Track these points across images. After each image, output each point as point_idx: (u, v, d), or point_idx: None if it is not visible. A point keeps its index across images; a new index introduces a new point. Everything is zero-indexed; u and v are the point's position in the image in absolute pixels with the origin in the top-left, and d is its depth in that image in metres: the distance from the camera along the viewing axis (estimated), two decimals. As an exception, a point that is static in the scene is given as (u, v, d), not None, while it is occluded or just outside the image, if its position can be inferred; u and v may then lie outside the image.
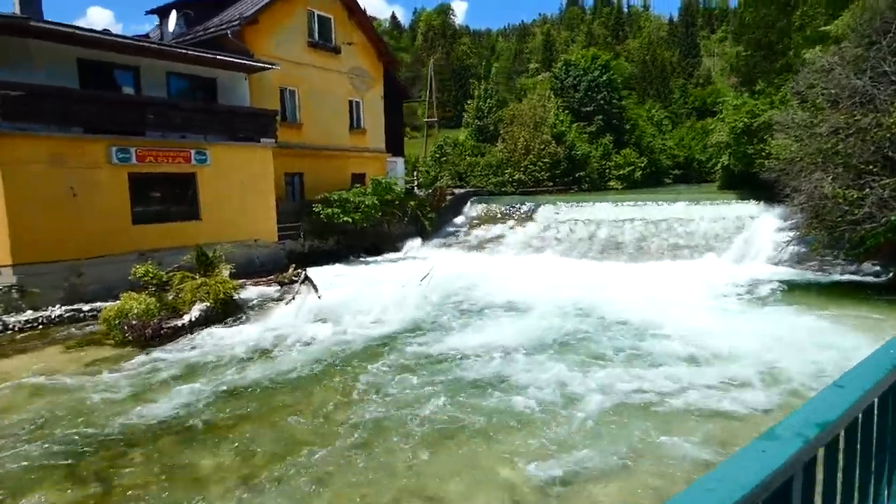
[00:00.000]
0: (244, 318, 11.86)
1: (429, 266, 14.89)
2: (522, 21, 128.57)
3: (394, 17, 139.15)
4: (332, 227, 18.43)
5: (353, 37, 21.21)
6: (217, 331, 10.89)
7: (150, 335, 10.23)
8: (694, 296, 12.60)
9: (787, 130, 13.81)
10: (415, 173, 26.33)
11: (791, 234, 15.21)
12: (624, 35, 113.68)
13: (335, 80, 20.59)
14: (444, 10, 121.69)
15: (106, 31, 13.56)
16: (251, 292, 14.41)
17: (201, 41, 17.31)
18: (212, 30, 17.21)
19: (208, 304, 11.57)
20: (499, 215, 25.37)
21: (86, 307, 12.26)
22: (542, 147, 32.45)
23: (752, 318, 10.51)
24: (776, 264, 15.79)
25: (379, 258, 20.13)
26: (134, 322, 10.25)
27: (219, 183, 15.29)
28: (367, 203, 17.60)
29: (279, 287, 14.76)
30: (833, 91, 12.52)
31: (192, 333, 10.91)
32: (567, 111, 42.07)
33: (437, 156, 29.72)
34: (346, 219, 17.15)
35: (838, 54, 12.84)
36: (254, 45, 17.30)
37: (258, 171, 16.29)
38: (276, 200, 18.22)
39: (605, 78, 45.01)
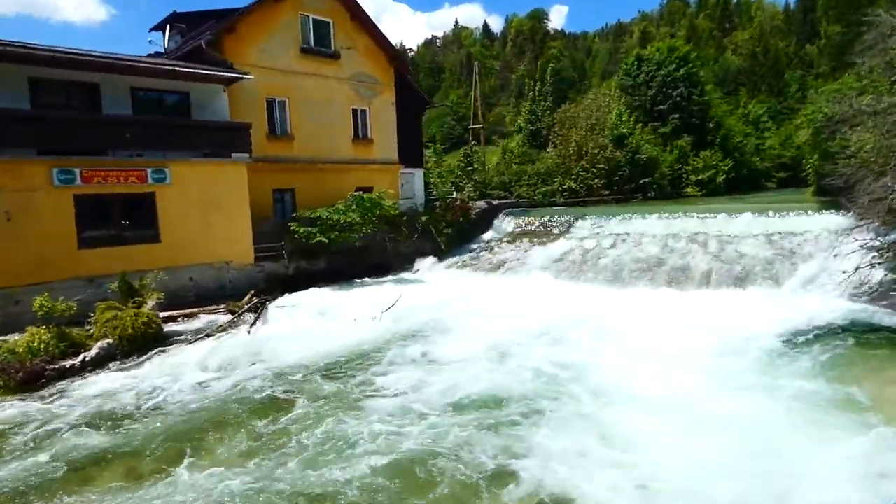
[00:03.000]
0: (152, 356, 10.42)
1: (420, 290, 12.83)
2: (619, 20, 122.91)
3: (486, 25, 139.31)
4: (325, 247, 16.86)
5: (357, 41, 19.68)
6: (106, 375, 9.54)
7: (23, 379, 9.06)
8: (709, 347, 9.21)
9: (859, 119, 9.92)
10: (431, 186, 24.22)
11: (866, 256, 11.03)
12: (732, 26, 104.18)
13: (335, 87, 19.15)
14: (537, 16, 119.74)
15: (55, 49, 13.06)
16: (200, 322, 13.15)
17: (183, 54, 16.66)
18: (191, 42, 16.48)
19: (110, 342, 10.33)
20: (532, 230, 22.51)
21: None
22: (596, 151, 28.85)
23: (759, 401, 6.94)
24: (851, 298, 11.59)
25: (383, 280, 18.25)
26: (7, 364, 9.17)
27: (182, 202, 14.26)
28: (346, 220, 15.78)
29: (231, 316, 13.31)
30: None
31: (84, 375, 9.67)
32: (638, 110, 37.77)
33: (463, 165, 27.36)
34: (321, 238, 15.46)
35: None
36: (234, 54, 16.30)
37: (229, 188, 15.11)
38: (265, 218, 17.13)
39: (682, 72, 39.91)
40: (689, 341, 9.44)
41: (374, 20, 20.23)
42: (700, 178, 36.69)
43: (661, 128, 38.21)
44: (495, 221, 24.41)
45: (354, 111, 19.95)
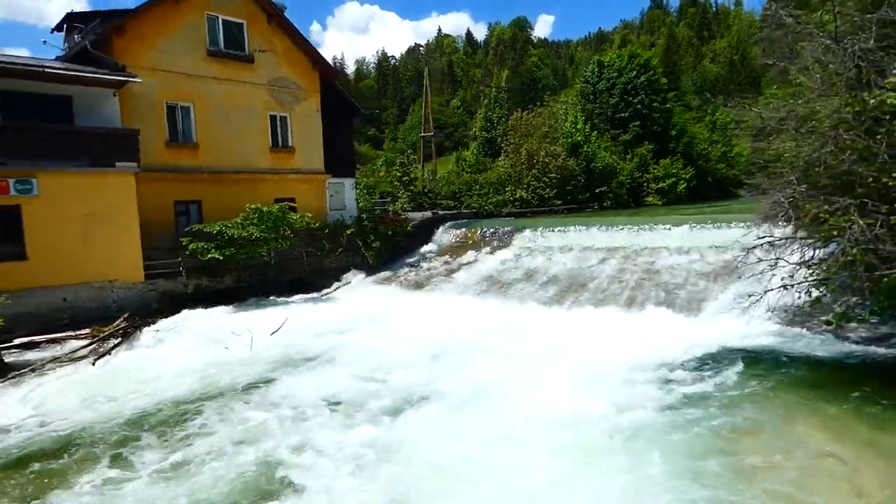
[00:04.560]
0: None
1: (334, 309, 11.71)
2: (600, 28, 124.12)
3: (469, 33, 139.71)
4: (231, 263, 15.61)
5: (275, 44, 18.55)
6: None
7: None
8: (581, 383, 8.09)
9: (785, 126, 8.94)
10: (378, 195, 23.05)
11: (793, 272, 10.05)
12: (710, 35, 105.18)
13: (249, 92, 17.98)
14: (520, 24, 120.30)
15: None
16: (63, 348, 11.80)
17: (72, 56, 15.41)
18: (80, 43, 15.24)
19: None
20: (470, 243, 21.47)
21: None
22: (547, 160, 27.92)
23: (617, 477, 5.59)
24: (774, 320, 10.61)
25: (298, 298, 17.01)
26: None
27: (55, 215, 12.94)
28: (244, 235, 14.55)
29: (94, 342, 11.94)
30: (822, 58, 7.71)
31: None
32: (599, 118, 37.05)
33: (399, 174, 26.24)
34: (214, 255, 14.21)
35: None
36: (127, 55, 15.07)
37: (115, 200, 13.81)
38: (165, 232, 15.86)
39: (643, 79, 39.31)
40: (566, 372, 8.34)
41: (299, 29, 19.16)
42: (661, 186, 36.01)
43: (622, 135, 37.54)
44: (436, 233, 23.38)
45: (273, 118, 18.76)
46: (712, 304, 12.34)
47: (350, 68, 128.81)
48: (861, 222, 5.97)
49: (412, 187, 26.11)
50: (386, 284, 18.58)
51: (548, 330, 11.83)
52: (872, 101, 5.88)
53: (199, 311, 14.02)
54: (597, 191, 30.84)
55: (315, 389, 8.38)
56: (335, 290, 18.24)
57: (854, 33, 7.92)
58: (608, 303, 13.82)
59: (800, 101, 7.38)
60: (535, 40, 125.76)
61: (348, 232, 18.99)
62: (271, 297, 16.69)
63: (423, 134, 33.35)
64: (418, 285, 18.05)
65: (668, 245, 15.74)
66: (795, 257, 8.97)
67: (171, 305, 14.61)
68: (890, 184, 7.00)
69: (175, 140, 16.34)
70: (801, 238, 7.71)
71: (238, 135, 17.65)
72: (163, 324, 13.10)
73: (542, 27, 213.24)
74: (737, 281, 12.58)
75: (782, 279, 8.79)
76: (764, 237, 8.14)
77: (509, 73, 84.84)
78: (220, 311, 14.68)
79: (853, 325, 10.02)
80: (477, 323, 12.54)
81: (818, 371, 8.38)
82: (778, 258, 8.46)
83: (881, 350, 9.16)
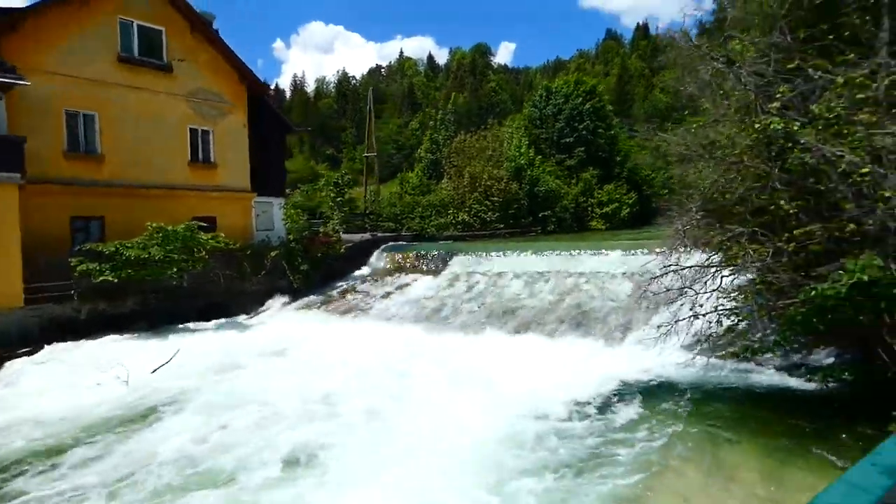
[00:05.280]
0: None
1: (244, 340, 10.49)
2: (558, 56, 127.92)
3: (430, 57, 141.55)
4: (133, 286, 14.31)
5: (199, 54, 17.61)
6: None
7: None
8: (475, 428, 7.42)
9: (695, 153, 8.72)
10: (321, 217, 22.09)
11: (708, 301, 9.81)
12: (660, 66, 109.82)
13: (166, 103, 16.89)
14: (481, 50, 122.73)
15: None
16: None
17: (-43, 56, 14.01)
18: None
19: None
20: (405, 267, 20.78)
21: None
22: (490, 183, 27.74)
23: None
24: (687, 348, 10.33)
25: (212, 324, 15.81)
26: None
27: (-84, 232, 11.48)
28: (143, 257, 13.36)
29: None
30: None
31: None
32: (545, 142, 37.42)
33: (333, 195, 25.51)
34: (108, 277, 12.95)
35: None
36: (22, 56, 13.81)
37: (-9, 215, 12.43)
38: (60, 252, 14.42)
39: (588, 106, 40.16)
40: (459, 414, 7.65)
41: (227, 44, 18.28)
42: (605, 211, 36.51)
43: (567, 160, 38.02)
44: (372, 256, 22.60)
45: (194, 131, 17.68)
46: (635, 333, 12.04)
47: (311, 87, 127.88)
48: (751, 251, 5.62)
49: (346, 208, 25.29)
50: (310, 310, 17.59)
51: (465, 360, 11.22)
52: (758, 125, 5.61)
53: (100, 340, 12.72)
54: (540, 215, 30.85)
55: (124, 457, 6.86)
56: (254, 315, 17.13)
57: (757, 59, 7.80)
58: (533, 330, 13.38)
59: (695, 128, 7.13)
60: (496, 66, 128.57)
61: (273, 254, 17.96)
62: (180, 324, 15.45)
63: (366, 154, 32.62)
64: (345, 311, 17.18)
65: (601, 270, 15.54)
66: (710, 286, 8.70)
67: (58, 333, 13.20)
68: (790, 211, 6.78)
69: (76, 150, 15.04)
70: (705, 266, 7.38)
71: (152, 147, 16.48)
72: (39, 355, 11.72)
73: (504, 54, 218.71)
74: (659, 310, 12.36)
75: (691, 308, 8.49)
76: (669, 265, 7.79)
77: (467, 97, 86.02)
78: (118, 340, 13.39)
79: (769, 355, 9.85)
80: (393, 354, 11.76)
81: (724, 403, 8.09)
82: (685, 287, 8.13)
83: (792, 381, 8.97)
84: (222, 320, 16.19)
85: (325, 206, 26.74)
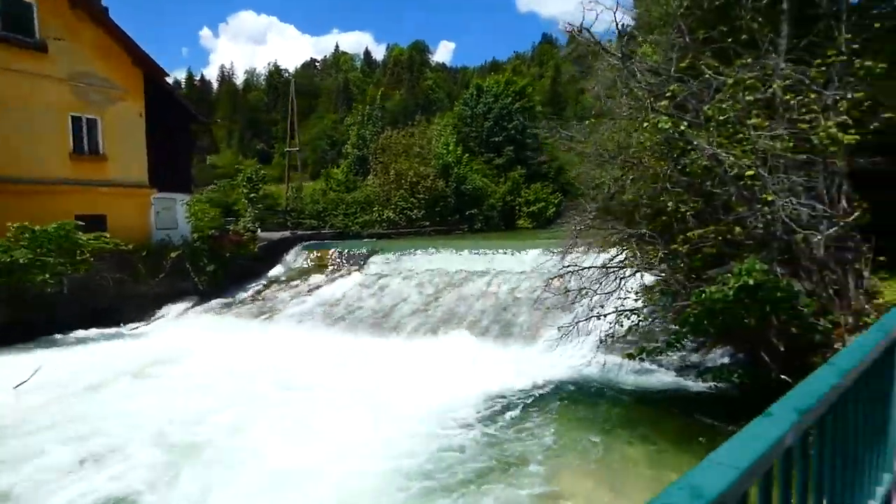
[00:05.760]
0: None
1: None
2: (494, 57, 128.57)
3: (367, 52, 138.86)
4: (1, 293, 12.54)
5: (81, 33, 15.80)
6: None
7: None
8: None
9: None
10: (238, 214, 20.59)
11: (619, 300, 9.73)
12: (585, 70, 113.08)
13: (40, 87, 15.00)
14: (419, 48, 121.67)
15: None
16: None
17: None
18: None
19: None
20: (323, 266, 19.83)
21: None
22: (416, 180, 27.20)
23: None
24: (596, 348, 10.24)
25: (95, 333, 14.23)
26: None
27: None
28: (6, 260, 11.71)
29: None
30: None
31: None
32: (474, 141, 37.32)
33: (246, 191, 24.12)
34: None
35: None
36: None
37: None
38: None
39: (518, 105, 40.53)
40: (353, 425, 7.04)
41: (124, 31, 16.52)
42: (532, 210, 36.95)
43: (496, 159, 38.16)
44: (288, 255, 21.43)
45: (77, 119, 15.84)
46: (548, 333, 11.88)
47: (240, 78, 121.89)
48: (640, 253, 5.37)
49: (260, 205, 23.88)
50: (215, 314, 16.29)
51: (369, 365, 10.65)
52: (646, 123, 5.36)
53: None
54: (468, 213, 30.68)
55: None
56: (150, 321, 15.64)
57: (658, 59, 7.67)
58: (448, 330, 12.98)
59: (587, 124, 6.87)
60: (434, 64, 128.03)
61: (173, 254, 16.46)
62: (60, 334, 13.79)
63: (287, 149, 30.99)
64: (254, 315, 16.05)
65: (519, 269, 15.40)
66: (610, 286, 8.56)
67: None
68: (685, 213, 6.65)
69: (-77, 138, 13.01)
70: (601, 267, 7.16)
71: (21, 136, 14.57)
72: None
73: (444, 53, 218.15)
74: (572, 310, 12.28)
75: (591, 309, 8.31)
76: (567, 266, 7.53)
77: (404, 94, 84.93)
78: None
79: (671, 354, 9.91)
80: (293, 362, 10.95)
81: (619, 404, 8.01)
82: (583, 287, 7.93)
83: (688, 382, 9.03)
84: (108, 329, 14.62)
85: (240, 203, 25.17)
